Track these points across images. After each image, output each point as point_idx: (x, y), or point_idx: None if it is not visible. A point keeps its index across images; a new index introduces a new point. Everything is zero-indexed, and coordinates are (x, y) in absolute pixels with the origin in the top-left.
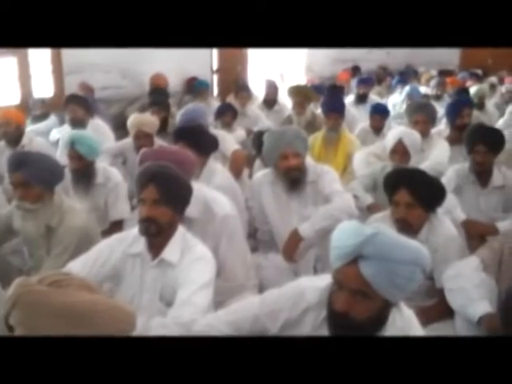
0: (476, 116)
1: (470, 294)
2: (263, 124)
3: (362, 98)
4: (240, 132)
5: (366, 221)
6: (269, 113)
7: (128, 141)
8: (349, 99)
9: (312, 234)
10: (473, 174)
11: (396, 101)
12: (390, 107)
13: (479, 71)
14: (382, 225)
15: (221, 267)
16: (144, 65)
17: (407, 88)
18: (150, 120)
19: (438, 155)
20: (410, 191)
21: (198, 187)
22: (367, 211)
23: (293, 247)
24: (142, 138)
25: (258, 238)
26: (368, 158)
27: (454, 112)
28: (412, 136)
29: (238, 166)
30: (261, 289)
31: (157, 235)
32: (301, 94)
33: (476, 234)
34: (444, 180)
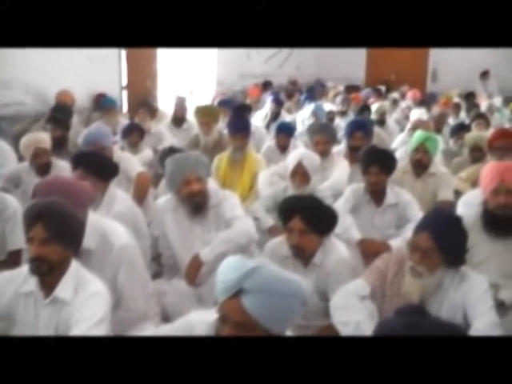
0: (377, 133)
1: (364, 328)
2: (168, 142)
3: (274, 116)
4: (147, 152)
5: (265, 243)
6: (177, 131)
7: (24, 164)
8: (259, 115)
9: (212, 259)
10: (368, 194)
11: (304, 116)
12: (298, 123)
13: (382, 87)
14: (264, 259)
15: (120, 298)
16: (49, 80)
17: (312, 106)
18: (45, 136)
19: (338, 175)
20: (303, 218)
21: (95, 217)
22: (268, 233)
23: (194, 272)
24: (42, 155)
25: (162, 262)
26: (271, 178)
27: (347, 134)
28: (311, 158)
29: (143, 188)
30: (164, 315)
31: (48, 274)
32: (207, 115)
33: (370, 253)
34: (342, 199)
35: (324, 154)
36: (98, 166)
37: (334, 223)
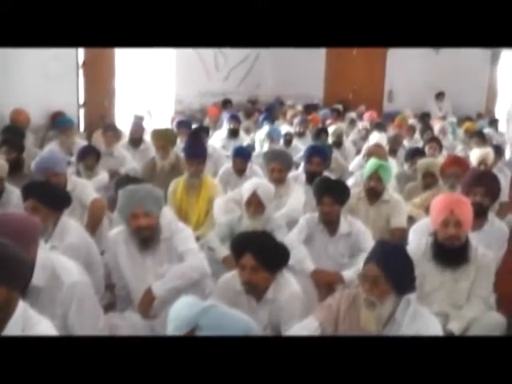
0: (335, 157)
1: None
2: (130, 165)
3: (233, 133)
4: (103, 175)
5: (220, 274)
6: (135, 152)
7: None
8: (219, 135)
9: (164, 293)
10: (322, 223)
11: (262, 137)
12: (256, 143)
13: (340, 106)
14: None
15: (71, 335)
16: (5, 97)
17: (267, 128)
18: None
19: (293, 202)
20: (255, 256)
21: (45, 253)
22: (223, 264)
23: (147, 305)
24: None
25: (115, 292)
26: (227, 205)
27: (305, 159)
28: (266, 188)
29: (97, 215)
30: None
31: None
32: (164, 138)
33: (323, 283)
34: (296, 229)
35: (279, 181)
36: (49, 197)
37: (287, 260)
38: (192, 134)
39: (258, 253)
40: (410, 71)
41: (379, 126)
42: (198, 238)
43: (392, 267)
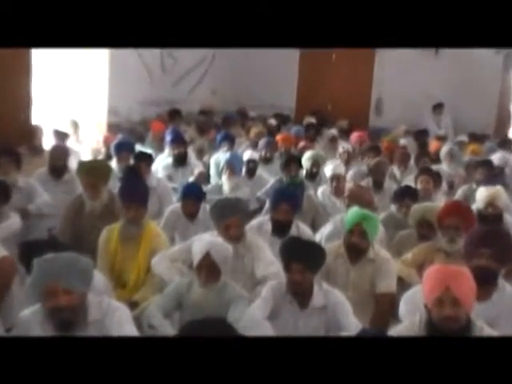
0: (307, 196)
1: None
2: (41, 199)
3: (179, 160)
4: (12, 220)
5: None
6: (57, 184)
7: None
8: (162, 161)
9: None
10: (290, 294)
11: (219, 159)
12: (212, 170)
13: (313, 119)
14: None
15: None
16: None
17: (227, 155)
18: None
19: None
20: None
21: None
22: None
23: None
24: None
25: None
26: (173, 266)
27: (271, 205)
28: (221, 248)
29: (6, 276)
30: None
31: None
32: (93, 175)
33: None
34: (259, 301)
35: (237, 238)
36: None
37: None
38: (129, 170)
39: None
40: (403, 78)
41: (374, 150)
42: (136, 304)
43: None
